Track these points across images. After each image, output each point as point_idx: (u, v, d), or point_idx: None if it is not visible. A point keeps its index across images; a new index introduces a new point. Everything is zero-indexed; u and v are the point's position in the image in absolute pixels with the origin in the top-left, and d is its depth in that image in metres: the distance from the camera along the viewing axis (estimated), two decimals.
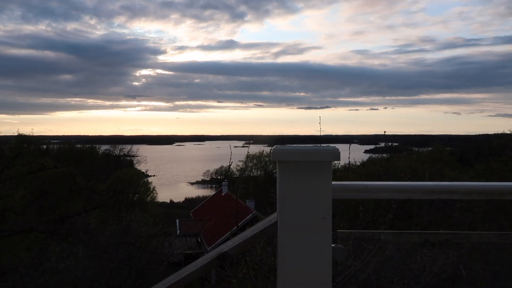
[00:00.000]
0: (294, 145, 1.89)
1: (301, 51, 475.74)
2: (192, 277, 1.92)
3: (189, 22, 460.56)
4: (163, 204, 68.38)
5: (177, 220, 40.97)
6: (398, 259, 3.13)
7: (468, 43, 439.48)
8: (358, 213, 7.50)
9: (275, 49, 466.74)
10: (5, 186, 25.09)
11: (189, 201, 73.86)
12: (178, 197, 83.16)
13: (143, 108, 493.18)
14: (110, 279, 15.77)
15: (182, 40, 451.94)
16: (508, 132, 31.85)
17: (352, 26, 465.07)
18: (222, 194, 44.52)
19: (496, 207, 18.12)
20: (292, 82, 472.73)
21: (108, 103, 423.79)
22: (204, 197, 63.49)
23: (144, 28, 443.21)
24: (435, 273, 3.06)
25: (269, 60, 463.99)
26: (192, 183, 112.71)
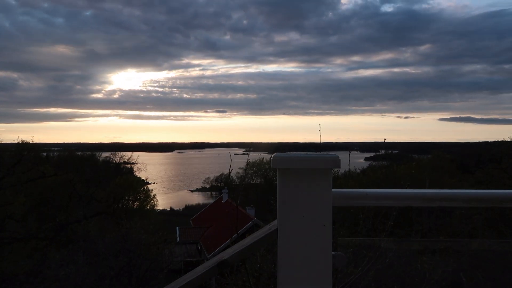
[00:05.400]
0: (294, 152, 1.89)
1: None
2: (192, 284, 1.92)
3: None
4: (163, 211, 68.29)
5: (177, 228, 40.92)
6: (398, 267, 3.13)
7: (363, 65, 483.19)
8: (358, 220, 7.48)
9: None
10: (5, 193, 25.06)
11: (189, 209, 73.73)
12: (178, 205, 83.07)
13: (122, 116, 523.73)
14: (110, 286, 15.71)
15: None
16: (508, 140, 31.89)
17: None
18: (222, 201, 44.50)
19: (495, 215, 18.13)
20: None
21: (85, 111, 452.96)
22: (204, 205, 63.41)
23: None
24: (435, 281, 3.05)
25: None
26: (192, 191, 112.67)
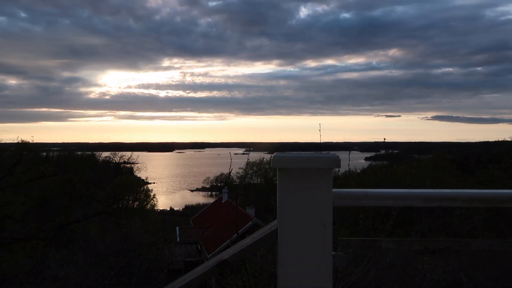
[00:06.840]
0: (294, 152, 1.89)
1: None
2: (192, 284, 1.92)
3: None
4: (163, 211, 68.27)
5: (177, 228, 40.91)
6: (398, 267, 3.12)
7: (341, 69, 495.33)
8: (358, 220, 7.48)
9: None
10: (5, 193, 25.04)
11: (189, 209, 73.71)
12: (178, 205, 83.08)
13: (116, 116, 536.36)
14: (110, 286, 15.71)
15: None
16: (508, 140, 31.93)
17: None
18: (222, 201, 44.49)
19: (496, 214, 18.12)
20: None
21: (78, 111, 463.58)
22: (204, 205, 63.38)
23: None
24: (436, 281, 3.05)
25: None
26: (192, 190, 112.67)
